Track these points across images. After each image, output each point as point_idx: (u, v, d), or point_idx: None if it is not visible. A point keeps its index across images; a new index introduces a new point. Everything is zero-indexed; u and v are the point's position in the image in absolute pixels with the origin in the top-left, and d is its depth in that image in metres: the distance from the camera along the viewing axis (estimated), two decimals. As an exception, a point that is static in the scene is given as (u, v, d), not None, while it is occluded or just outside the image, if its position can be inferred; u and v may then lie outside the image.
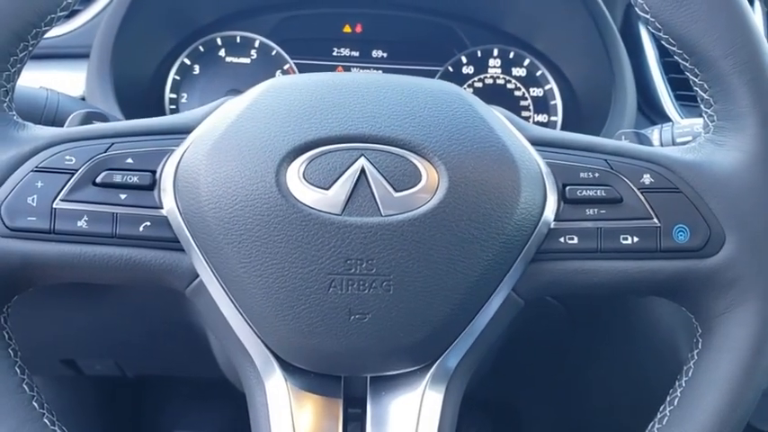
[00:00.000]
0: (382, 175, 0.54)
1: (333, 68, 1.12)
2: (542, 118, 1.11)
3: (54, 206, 0.55)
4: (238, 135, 0.55)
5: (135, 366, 1.33)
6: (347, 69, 1.12)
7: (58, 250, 0.56)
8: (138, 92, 1.01)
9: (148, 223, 0.56)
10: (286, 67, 1.11)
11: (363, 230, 0.53)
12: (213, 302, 0.57)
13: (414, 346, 0.55)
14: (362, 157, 0.54)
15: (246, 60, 1.11)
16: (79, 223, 0.56)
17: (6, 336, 0.57)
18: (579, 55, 1.03)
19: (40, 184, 0.55)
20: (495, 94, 1.11)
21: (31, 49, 0.59)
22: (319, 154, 0.54)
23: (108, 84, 0.93)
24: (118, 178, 0.56)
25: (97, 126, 0.58)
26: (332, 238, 0.53)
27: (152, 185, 0.57)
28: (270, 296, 0.54)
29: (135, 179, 0.57)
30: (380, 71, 1.12)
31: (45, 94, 0.73)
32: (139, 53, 1.01)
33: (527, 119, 1.11)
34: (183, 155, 0.57)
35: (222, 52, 1.11)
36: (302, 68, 1.11)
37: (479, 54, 1.12)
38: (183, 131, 0.58)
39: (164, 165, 0.57)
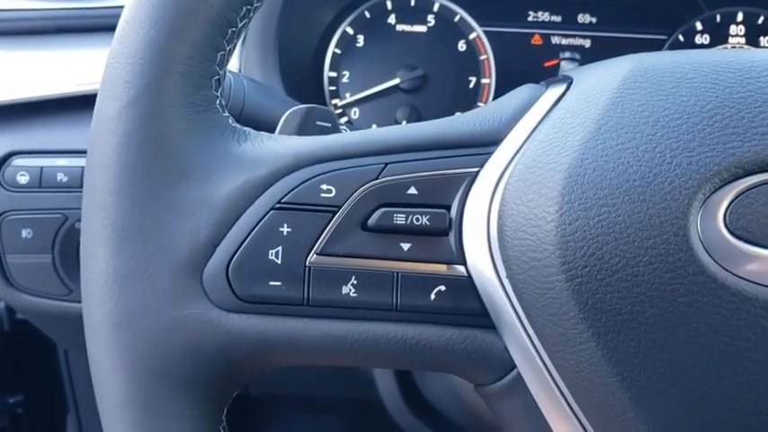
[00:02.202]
0: None
1: (528, 37, 0.90)
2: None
3: (308, 263, 0.35)
4: (601, 155, 0.34)
5: (262, 386, 1.18)
6: (546, 38, 0.90)
7: (316, 330, 0.36)
8: (300, 72, 0.81)
9: (443, 288, 0.36)
10: (472, 36, 0.89)
11: None
12: (534, 407, 0.36)
13: None
14: None
15: (422, 28, 0.89)
16: (345, 289, 0.36)
17: None
18: None
19: (286, 230, 0.35)
20: (737, 70, 0.87)
21: (251, 16, 0.39)
22: (749, 188, 0.33)
23: (272, 59, 0.73)
24: (399, 219, 0.36)
25: (361, 137, 0.38)
26: None
27: (447, 229, 0.36)
28: (657, 419, 0.33)
29: (424, 220, 0.36)
30: (588, 41, 0.90)
31: (228, 77, 0.53)
32: (302, 24, 0.80)
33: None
34: (500, 183, 0.36)
35: (392, 18, 0.89)
36: (492, 37, 0.89)
37: (719, 19, 0.88)
38: (485, 143, 0.38)
39: (463, 197, 0.37)
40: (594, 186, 0.33)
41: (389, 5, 0.89)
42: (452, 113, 0.91)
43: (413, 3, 0.89)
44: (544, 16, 0.90)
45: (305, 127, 0.45)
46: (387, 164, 0.37)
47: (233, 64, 0.75)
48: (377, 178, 0.36)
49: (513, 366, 0.36)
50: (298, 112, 0.45)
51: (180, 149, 0.36)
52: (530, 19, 0.90)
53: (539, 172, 0.35)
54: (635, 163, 0.33)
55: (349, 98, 0.88)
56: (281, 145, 0.37)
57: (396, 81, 0.87)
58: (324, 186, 0.36)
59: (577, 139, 0.35)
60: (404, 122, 0.88)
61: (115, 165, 0.35)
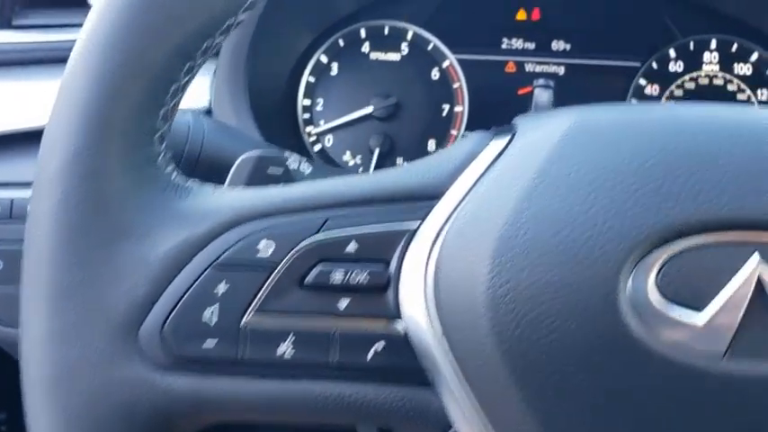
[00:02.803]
0: None
1: (502, 64, 0.90)
2: (774, 128, 0.87)
3: (244, 322, 0.35)
4: (535, 216, 0.34)
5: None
6: (520, 65, 0.90)
7: (252, 389, 0.36)
8: (273, 99, 0.81)
9: (381, 345, 0.36)
10: (445, 64, 0.89)
11: (765, 388, 0.32)
12: None
13: None
14: (757, 257, 0.32)
15: (396, 56, 0.90)
16: (281, 348, 0.36)
17: None
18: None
19: (222, 289, 0.35)
20: (710, 98, 0.87)
21: (195, 71, 0.39)
22: (682, 251, 0.33)
23: (242, 93, 0.73)
24: (337, 276, 0.36)
25: (303, 190, 0.38)
26: (709, 397, 0.32)
27: (386, 285, 0.36)
28: None
29: (363, 277, 0.36)
30: (562, 68, 0.90)
31: (188, 119, 0.53)
32: (275, 53, 0.80)
33: (753, 129, 0.87)
34: (438, 239, 0.36)
35: (366, 47, 0.90)
36: (466, 65, 0.89)
37: (692, 46, 0.88)
38: (427, 196, 0.38)
39: (402, 252, 0.37)
40: (527, 248, 0.33)
41: (363, 34, 0.89)
42: (426, 141, 0.92)
43: (386, 31, 0.89)
44: (518, 44, 0.90)
45: (255, 176, 0.45)
46: (327, 219, 0.37)
47: (204, 96, 0.75)
48: (317, 233, 0.36)
49: (450, 426, 0.36)
50: (248, 161, 0.45)
51: (119, 208, 0.36)
52: (503, 46, 0.90)
53: (475, 229, 0.35)
54: (569, 224, 0.33)
55: (323, 126, 0.89)
56: (223, 200, 0.37)
57: (369, 109, 0.88)
58: (263, 243, 0.36)
59: (513, 197, 0.34)
60: (377, 150, 0.88)
61: (55, 222, 0.35)
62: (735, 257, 0.32)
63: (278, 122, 0.81)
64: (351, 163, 0.89)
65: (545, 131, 0.37)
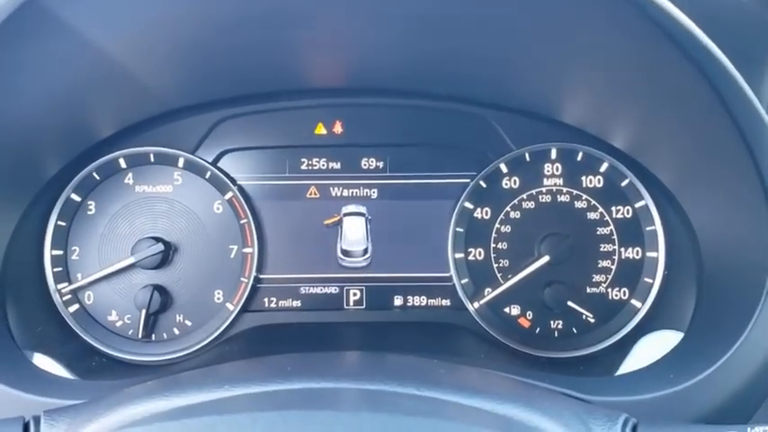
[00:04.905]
0: None
1: (303, 189, 0.73)
2: (633, 253, 0.71)
3: None
4: None
5: None
6: (324, 189, 0.73)
7: None
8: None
9: None
10: (228, 195, 0.72)
11: None
12: None
13: None
14: None
15: (167, 188, 0.72)
16: None
17: None
18: (696, 155, 0.60)
19: None
20: (555, 219, 0.71)
21: None
22: None
23: None
24: None
25: None
26: None
27: None
28: None
29: None
30: (374, 191, 0.73)
31: None
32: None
33: (609, 255, 0.70)
34: None
35: (129, 179, 0.72)
36: (255, 195, 0.72)
37: (528, 158, 0.72)
38: None
39: None
40: None
41: (123, 163, 0.71)
42: (211, 293, 0.73)
43: (152, 158, 0.72)
44: (320, 163, 0.73)
45: None
46: None
47: None
48: None
49: None
50: None
51: None
52: (303, 167, 0.73)
53: None
54: None
55: (81, 280, 0.70)
56: None
57: (130, 260, 0.69)
58: None
59: None
60: (143, 311, 0.70)
61: None
62: None
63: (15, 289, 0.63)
64: (119, 324, 0.71)
65: None
